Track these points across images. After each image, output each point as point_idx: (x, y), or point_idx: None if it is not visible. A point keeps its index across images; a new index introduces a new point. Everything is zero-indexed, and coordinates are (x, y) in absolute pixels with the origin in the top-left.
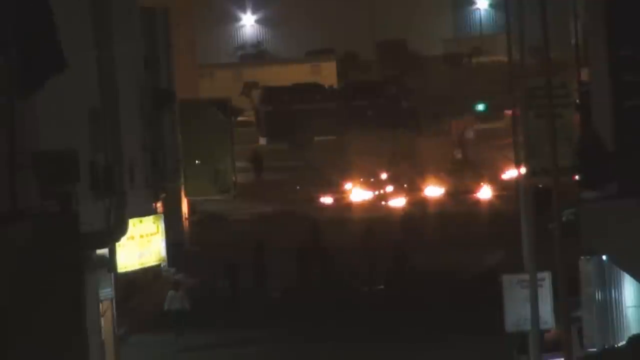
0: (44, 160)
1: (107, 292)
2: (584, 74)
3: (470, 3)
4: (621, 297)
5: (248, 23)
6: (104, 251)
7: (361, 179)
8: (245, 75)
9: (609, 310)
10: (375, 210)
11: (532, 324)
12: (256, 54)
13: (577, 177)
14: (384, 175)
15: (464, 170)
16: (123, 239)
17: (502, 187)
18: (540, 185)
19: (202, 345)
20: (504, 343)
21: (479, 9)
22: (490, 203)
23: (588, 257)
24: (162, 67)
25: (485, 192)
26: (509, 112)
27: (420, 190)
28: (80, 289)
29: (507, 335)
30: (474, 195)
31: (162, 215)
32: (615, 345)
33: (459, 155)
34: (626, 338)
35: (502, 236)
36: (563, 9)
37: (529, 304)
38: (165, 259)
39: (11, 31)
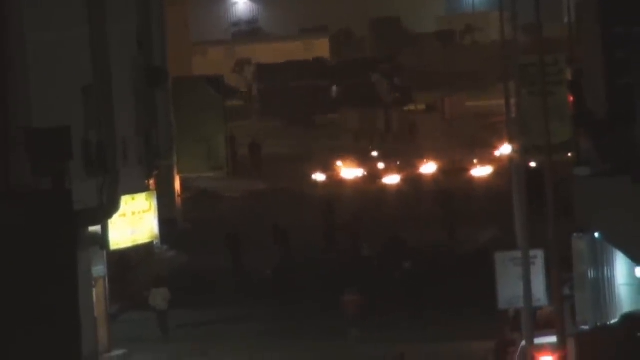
0: (36, 137)
1: (99, 269)
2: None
3: None
4: (613, 275)
5: (241, 0)
6: (96, 228)
7: (354, 157)
8: (239, 53)
9: (602, 287)
10: (368, 188)
11: (524, 301)
12: (250, 31)
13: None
14: (375, 153)
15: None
16: (115, 216)
17: (496, 165)
18: (534, 164)
19: (197, 323)
20: (496, 320)
21: None
22: (484, 180)
23: (581, 234)
24: (155, 45)
25: (479, 170)
26: None
27: (413, 167)
28: (73, 266)
29: (500, 313)
30: (468, 172)
31: (155, 193)
32: (608, 323)
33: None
34: (618, 315)
35: (495, 213)
36: None
37: (521, 281)
38: (158, 236)
39: None
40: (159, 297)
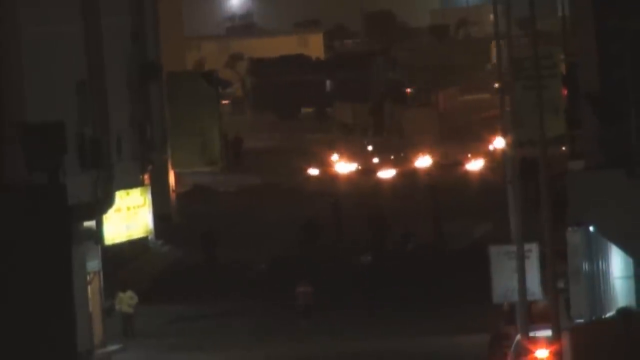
0: (31, 132)
1: (94, 264)
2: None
3: None
4: (609, 268)
5: None
6: (91, 223)
7: (348, 151)
8: (232, 48)
9: (597, 281)
10: (363, 182)
11: (519, 295)
12: (244, 26)
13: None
14: (370, 147)
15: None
16: (110, 211)
17: (490, 158)
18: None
19: (192, 317)
20: (491, 314)
21: None
22: (478, 174)
23: (575, 228)
24: (149, 39)
25: (473, 164)
26: None
27: (408, 161)
28: (68, 261)
29: (494, 306)
30: (463, 166)
31: (149, 188)
32: (603, 317)
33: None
34: (614, 309)
35: (489, 207)
36: None
37: (516, 275)
38: (153, 231)
39: None
40: (125, 301)
